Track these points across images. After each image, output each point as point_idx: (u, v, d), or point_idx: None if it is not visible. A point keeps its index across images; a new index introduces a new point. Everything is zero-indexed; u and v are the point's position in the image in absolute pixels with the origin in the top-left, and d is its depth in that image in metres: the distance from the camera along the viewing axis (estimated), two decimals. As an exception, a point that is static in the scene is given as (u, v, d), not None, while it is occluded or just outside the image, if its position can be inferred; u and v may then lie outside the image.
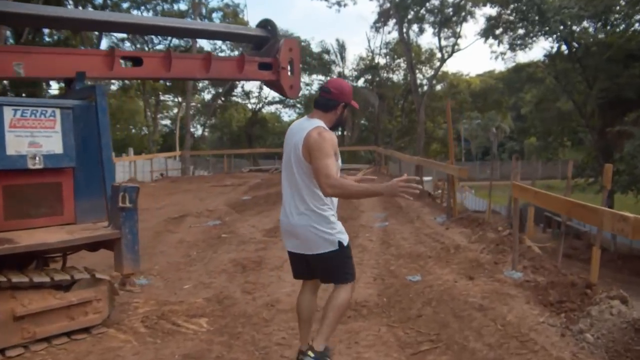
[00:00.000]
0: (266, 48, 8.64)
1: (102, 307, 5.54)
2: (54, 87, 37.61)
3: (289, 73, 8.81)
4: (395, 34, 44.23)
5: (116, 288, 5.87)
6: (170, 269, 8.20)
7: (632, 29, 27.74)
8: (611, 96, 27.89)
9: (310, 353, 4.25)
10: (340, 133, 49.27)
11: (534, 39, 33.07)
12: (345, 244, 4.29)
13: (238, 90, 51.36)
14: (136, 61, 7.40)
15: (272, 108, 60.83)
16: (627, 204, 30.31)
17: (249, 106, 54.40)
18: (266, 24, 8.93)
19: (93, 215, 6.19)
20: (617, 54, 27.04)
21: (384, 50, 49.14)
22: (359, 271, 7.55)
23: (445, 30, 42.29)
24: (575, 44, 30.23)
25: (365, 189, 4.03)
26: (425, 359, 4.69)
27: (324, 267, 4.38)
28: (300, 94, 53.26)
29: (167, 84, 45.73)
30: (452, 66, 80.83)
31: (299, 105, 54.08)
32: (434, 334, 5.21)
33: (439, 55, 44.33)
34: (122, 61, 7.28)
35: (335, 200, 4.32)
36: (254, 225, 11.47)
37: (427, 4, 40.01)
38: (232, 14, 47.47)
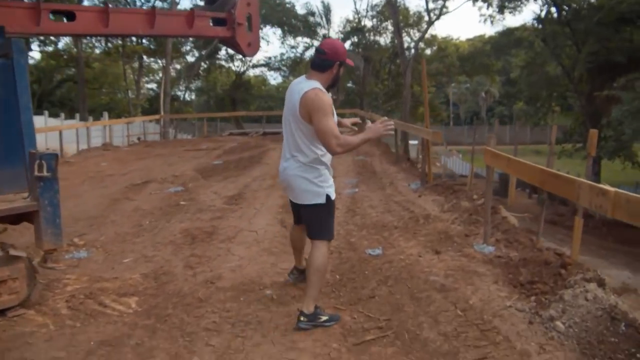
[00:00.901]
0: (219, 2, 7.93)
1: (19, 287, 4.96)
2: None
3: (247, 29, 8.12)
4: (384, -5, 43.25)
5: (36, 266, 5.27)
6: (116, 240, 7.62)
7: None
8: (600, 60, 27.28)
9: (302, 318, 4.49)
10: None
11: (524, 1, 32.47)
12: (332, 198, 4.63)
13: (222, 52, 50.35)
14: (68, 15, 6.68)
15: (257, 71, 59.96)
16: (615, 170, 30.01)
17: (234, 69, 53.50)
18: None
19: (15, 186, 5.57)
20: (608, 17, 26.34)
21: (371, 13, 48.31)
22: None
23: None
24: (565, 7, 29.55)
25: (362, 139, 4.45)
26: (369, 351, 4.10)
27: (308, 219, 4.74)
28: (284, 56, 52.69)
29: (151, 46, 44.82)
30: (442, 30, 79.94)
31: (284, 68, 53.29)
32: (384, 319, 4.63)
33: (427, 18, 43.50)
34: (51, 15, 6.54)
35: (329, 156, 4.62)
36: (216, 192, 10.85)
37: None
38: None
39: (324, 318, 4.60)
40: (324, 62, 4.52)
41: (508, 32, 37.87)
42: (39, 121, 26.55)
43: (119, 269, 6.29)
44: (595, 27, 26.92)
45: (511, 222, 8.20)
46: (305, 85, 4.46)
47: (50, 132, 22.38)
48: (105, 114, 30.61)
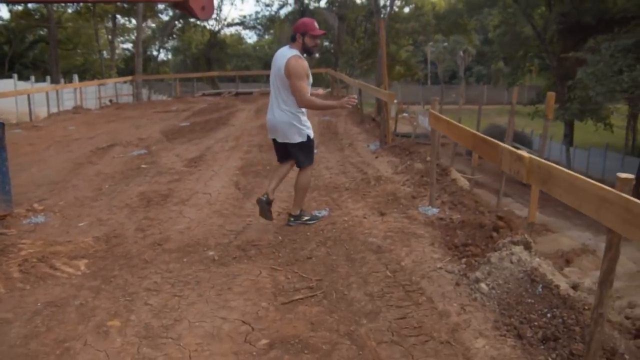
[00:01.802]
0: (172, -34, 7.99)
1: (-30, 251, 5.13)
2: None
3: (201, -7, 8.21)
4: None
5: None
6: (74, 204, 7.78)
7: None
8: (571, 22, 27.39)
9: (290, 219, 6.39)
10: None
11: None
12: (311, 137, 6.23)
13: (197, 11, 49.76)
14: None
15: (233, 30, 59.44)
16: (588, 131, 30.32)
17: (208, 28, 52.97)
18: None
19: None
20: (579, -23, 26.44)
21: (347, -31, 47.86)
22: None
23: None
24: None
25: (325, 104, 6.37)
26: (296, 310, 4.34)
27: (295, 153, 6.23)
28: (259, 15, 52.12)
29: (124, 5, 44.16)
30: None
31: (259, 27, 52.75)
32: (316, 279, 4.87)
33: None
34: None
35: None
36: (178, 155, 11.00)
37: None
38: None
39: (306, 217, 6.43)
40: (292, 35, 6.08)
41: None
42: (7, 85, 26.34)
43: (74, 233, 6.47)
44: (566, -14, 27.02)
45: (460, 184, 8.45)
46: (288, 52, 5.98)
47: (19, 95, 22.25)
48: (76, 76, 30.28)
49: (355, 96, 7.45)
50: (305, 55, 6.11)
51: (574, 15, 26.91)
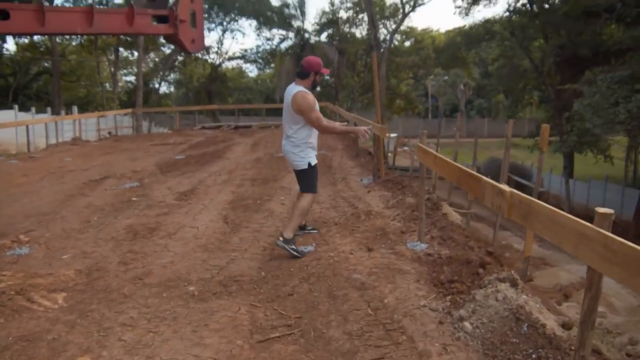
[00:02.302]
0: None
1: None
2: None
3: (191, 26, 8.22)
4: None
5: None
6: (60, 236, 7.72)
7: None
8: (568, 54, 27.55)
9: (281, 238, 6.53)
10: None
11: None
12: (312, 164, 6.84)
13: (198, 45, 50.26)
14: (2, 14, 6.73)
15: (234, 63, 59.89)
16: (588, 163, 30.23)
17: (210, 61, 53.39)
18: None
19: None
20: (573, 10, 26.58)
21: (347, 4, 48.41)
22: (254, 239, 7.20)
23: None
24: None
25: (345, 129, 7.46)
26: (271, 348, 4.25)
27: (298, 179, 7.05)
28: (260, 48, 52.49)
29: (127, 39, 44.53)
30: (422, 22, 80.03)
31: (260, 60, 53.32)
32: (295, 317, 4.78)
33: (406, 9, 43.71)
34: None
35: (314, 138, 6.90)
36: (170, 188, 10.94)
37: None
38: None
39: (293, 247, 6.52)
40: (302, 73, 6.72)
41: (478, 25, 38.04)
42: (8, 115, 26.48)
43: (56, 265, 6.40)
44: (562, 20, 27.17)
45: (451, 218, 8.37)
46: (294, 89, 6.65)
47: (19, 126, 22.35)
48: (75, 108, 30.40)
49: (370, 127, 8.10)
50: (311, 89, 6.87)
51: (571, 47, 27.07)
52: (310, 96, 6.64)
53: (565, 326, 5.06)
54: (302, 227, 7.28)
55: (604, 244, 2.87)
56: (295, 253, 6.46)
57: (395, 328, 4.46)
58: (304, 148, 6.77)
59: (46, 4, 7.41)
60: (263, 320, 4.74)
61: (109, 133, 27.16)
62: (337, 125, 7.27)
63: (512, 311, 4.45)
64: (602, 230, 2.95)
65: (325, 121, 6.82)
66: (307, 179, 6.88)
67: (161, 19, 7.99)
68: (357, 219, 8.06)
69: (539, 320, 4.36)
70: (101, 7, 35.49)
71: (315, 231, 7.48)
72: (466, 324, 4.40)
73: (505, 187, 4.21)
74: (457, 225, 7.98)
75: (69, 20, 7.40)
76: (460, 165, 5.51)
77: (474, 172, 5.05)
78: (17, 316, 4.94)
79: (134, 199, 10.03)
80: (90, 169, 13.89)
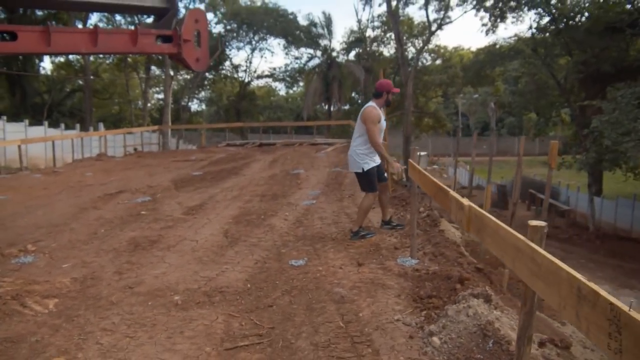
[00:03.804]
0: (164, 20, 8.29)
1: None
2: None
3: (196, 45, 8.49)
4: (385, 6, 43.60)
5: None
6: (66, 246, 8.00)
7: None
8: (591, 71, 27.36)
9: (351, 234, 7.96)
10: (328, 108, 49.12)
11: (524, 10, 32.62)
12: (367, 169, 7.89)
13: (227, 63, 51.02)
14: (10, 35, 7.06)
15: (263, 82, 60.52)
16: (619, 181, 29.86)
17: (239, 79, 54.06)
18: None
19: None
20: (596, 26, 26.45)
21: (375, 23, 48.73)
22: (249, 253, 7.38)
23: (435, 2, 41.63)
24: (557, 16, 29.69)
25: (385, 155, 8.43)
26: (237, 355, 4.41)
27: (358, 180, 8.31)
28: (288, 67, 52.93)
29: (159, 57, 45.23)
30: (452, 40, 79.98)
31: (288, 79, 53.79)
32: (268, 327, 4.93)
33: (433, 28, 43.82)
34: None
35: (370, 147, 7.88)
36: (180, 203, 11.19)
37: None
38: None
39: (364, 233, 7.96)
40: (377, 93, 8.05)
41: (502, 43, 38.10)
42: (38, 131, 27.16)
43: (55, 273, 6.66)
44: (585, 37, 27.02)
45: (447, 235, 8.46)
46: (367, 104, 7.98)
47: (46, 142, 22.96)
48: (101, 125, 31.02)
49: (404, 167, 8.38)
50: (384, 107, 8.13)
51: (593, 63, 26.93)
52: (377, 111, 7.83)
53: (541, 345, 5.14)
54: (387, 222, 8.57)
55: (532, 258, 2.86)
56: (369, 236, 7.96)
57: (363, 341, 4.55)
58: (361, 155, 7.89)
59: (54, 22, 7.72)
60: (237, 330, 4.90)
61: (135, 149, 27.64)
62: (382, 146, 8.12)
63: (481, 327, 4.51)
64: (531, 244, 2.93)
65: (378, 137, 7.84)
66: (362, 181, 8.09)
67: (165, 39, 8.25)
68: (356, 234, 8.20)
69: (504, 336, 4.40)
70: (108, 27, 36.21)
71: (401, 227, 8.48)
72: (435, 339, 4.47)
73: (464, 202, 4.29)
74: (452, 241, 8.07)
75: (74, 41, 7.70)
76: (435, 180, 5.62)
77: (444, 187, 5.16)
78: (8, 319, 5.18)
79: (143, 212, 10.30)
80: (108, 184, 14.22)
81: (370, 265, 6.66)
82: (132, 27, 8.56)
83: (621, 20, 25.39)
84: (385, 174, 8.79)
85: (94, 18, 40.46)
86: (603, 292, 2.19)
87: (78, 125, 32.46)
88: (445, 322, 4.65)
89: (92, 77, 45.25)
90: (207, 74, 49.14)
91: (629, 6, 26.72)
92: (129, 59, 45.33)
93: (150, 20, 9.81)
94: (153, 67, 50.08)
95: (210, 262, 7.01)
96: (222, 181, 14.21)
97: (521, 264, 3.03)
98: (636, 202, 30.42)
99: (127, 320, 5.11)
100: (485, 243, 3.82)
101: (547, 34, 31.34)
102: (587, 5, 28.56)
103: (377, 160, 8.12)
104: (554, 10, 29.44)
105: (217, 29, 51.28)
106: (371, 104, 7.91)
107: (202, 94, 59.84)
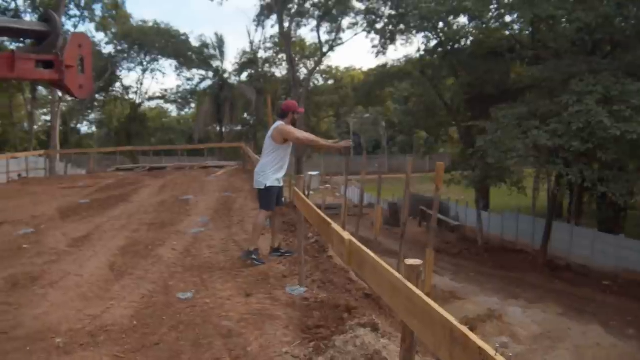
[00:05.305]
0: (45, 44, 7.96)
1: None
2: None
3: (79, 71, 8.21)
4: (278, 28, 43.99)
5: None
6: None
7: (489, 25, 28.43)
8: (476, 92, 28.60)
9: (241, 252, 8.41)
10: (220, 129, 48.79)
11: (408, 34, 33.65)
12: (268, 186, 8.04)
13: (118, 84, 50.00)
14: None
15: (154, 103, 59.66)
16: (506, 195, 31.09)
17: (130, 101, 53.04)
18: (48, 18, 8.22)
19: None
20: (479, 50, 27.76)
21: (267, 44, 49.02)
22: (136, 287, 7.18)
23: (328, 24, 42.33)
24: (444, 39, 30.87)
25: (326, 144, 8.84)
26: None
27: (258, 198, 8.49)
28: (180, 89, 52.25)
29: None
30: (345, 61, 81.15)
31: (179, 100, 53.25)
32: (152, 366, 4.82)
33: (324, 49, 44.49)
34: None
35: (276, 167, 8.11)
36: (65, 234, 10.76)
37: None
38: (113, 5, 46.22)
39: (255, 257, 8.09)
40: (283, 113, 8.24)
41: (392, 64, 39.15)
42: None
43: None
44: (469, 59, 28.29)
45: (336, 261, 8.50)
46: (276, 124, 8.14)
47: None
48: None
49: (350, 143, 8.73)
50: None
51: (478, 85, 28.24)
52: (289, 126, 8.09)
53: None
54: (276, 250, 8.66)
55: (408, 297, 2.88)
56: (256, 263, 8.05)
57: (251, 377, 4.52)
58: (267, 173, 8.07)
59: None
60: (119, 371, 4.76)
61: (19, 175, 26.39)
62: (318, 139, 8.75)
63: (368, 357, 4.54)
64: (407, 283, 2.95)
65: (309, 136, 8.68)
66: (262, 198, 8.23)
67: (47, 64, 7.94)
68: (244, 263, 8.14)
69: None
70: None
71: (290, 254, 8.50)
72: (321, 371, 4.47)
73: (345, 235, 4.25)
74: (340, 267, 8.14)
75: None
76: (318, 211, 5.65)
77: (326, 218, 5.17)
78: None
79: (25, 246, 9.83)
80: (-13, 215, 13.53)
81: (258, 295, 6.63)
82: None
83: (501, 45, 26.80)
84: (283, 199, 8.98)
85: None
86: (473, 336, 2.25)
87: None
88: (334, 354, 4.66)
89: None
90: (97, 95, 47.95)
91: (507, 32, 28.20)
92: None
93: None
94: (40, 88, 48.40)
95: (96, 299, 6.77)
96: (109, 209, 13.80)
97: (398, 301, 3.03)
98: (520, 215, 31.85)
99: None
100: (365, 278, 3.87)
101: (435, 57, 32.49)
102: (471, 30, 29.84)
103: (281, 183, 8.35)
104: (441, 34, 30.57)
105: (108, 49, 50.24)
106: (280, 122, 8.12)
107: (92, 115, 58.35)
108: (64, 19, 39.85)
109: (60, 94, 37.05)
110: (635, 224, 32.79)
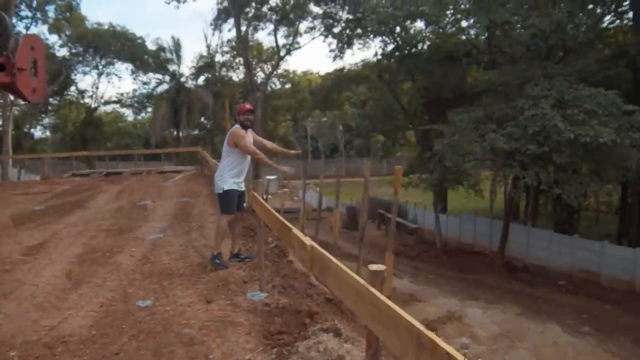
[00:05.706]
0: (-4, 46, 7.76)
1: None
2: None
3: (32, 75, 8.04)
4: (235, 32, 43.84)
5: None
6: None
7: (446, 30, 28.83)
8: (432, 96, 28.87)
9: (209, 257, 8.33)
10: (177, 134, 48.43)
11: (365, 38, 33.84)
12: (226, 189, 8.09)
13: (72, 88, 49.27)
14: None
15: (110, 107, 58.94)
16: (463, 198, 31.46)
17: (85, 105, 52.30)
18: None
19: None
20: (436, 54, 28.04)
21: (224, 48, 48.82)
22: (94, 295, 7.06)
23: (285, 28, 42.35)
24: (401, 43, 31.13)
25: (268, 162, 8.45)
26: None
27: (219, 202, 8.38)
28: (137, 92, 51.72)
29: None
30: (302, 65, 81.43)
31: (136, 104, 52.70)
32: (114, 377, 4.73)
33: (282, 53, 44.45)
34: None
35: (234, 171, 8.16)
36: (20, 242, 10.52)
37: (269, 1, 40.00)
38: (67, 6, 45.52)
39: (217, 262, 8.13)
40: (235, 118, 8.30)
41: (348, 68, 39.33)
42: None
43: None
44: (426, 64, 28.57)
45: (297, 266, 8.48)
46: (232, 128, 8.21)
47: None
48: None
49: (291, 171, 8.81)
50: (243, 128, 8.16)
51: (435, 89, 28.56)
52: (242, 131, 8.07)
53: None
54: (236, 255, 8.61)
55: (372, 302, 2.87)
56: (218, 267, 8.09)
57: (214, 384, 4.47)
58: (225, 177, 8.13)
59: None
60: (79, 383, 4.67)
61: (-31, 183, 25.84)
62: (263, 156, 8.33)
63: (332, 363, 4.48)
64: (371, 288, 2.95)
65: (251, 148, 8.15)
66: (221, 202, 8.23)
67: (-3, 67, 7.73)
68: (204, 269, 8.11)
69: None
70: None
71: (250, 259, 8.49)
72: (284, 378, 4.45)
73: (307, 241, 4.22)
74: (301, 272, 8.13)
75: None
76: (278, 216, 5.62)
77: (287, 223, 5.13)
78: None
79: (-24, 257, 9.61)
80: None
81: (219, 301, 6.58)
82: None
83: (458, 50, 27.12)
84: (245, 205, 8.98)
85: None
86: (440, 342, 2.25)
87: None
88: None
89: None
90: (51, 99, 47.14)
91: (463, 37, 28.57)
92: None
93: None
94: (-10, 93, 47.47)
95: (52, 309, 6.63)
96: (66, 215, 13.56)
97: (362, 307, 3.02)
98: (478, 217, 32.22)
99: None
100: (328, 284, 3.83)
101: (392, 61, 32.72)
102: (427, 34, 30.16)
103: (242, 187, 8.38)
104: (398, 38, 30.82)
105: (62, 52, 49.44)
106: (236, 126, 8.17)
107: (46, 120, 57.39)
108: (14, 20, 39.10)
109: (12, 97, 36.37)
110: (588, 225, 33.56)
